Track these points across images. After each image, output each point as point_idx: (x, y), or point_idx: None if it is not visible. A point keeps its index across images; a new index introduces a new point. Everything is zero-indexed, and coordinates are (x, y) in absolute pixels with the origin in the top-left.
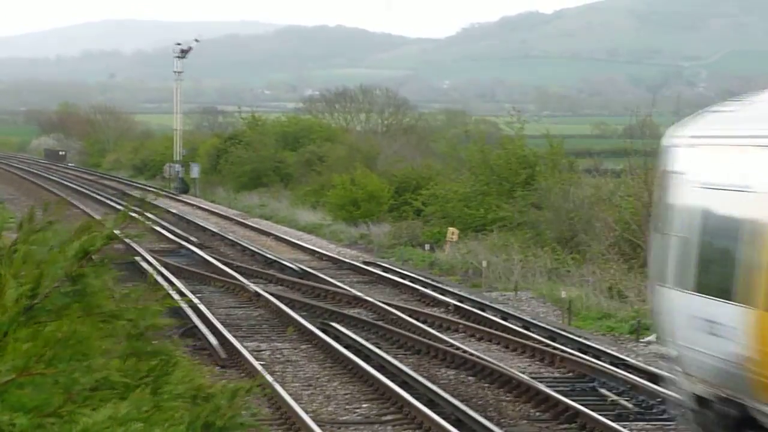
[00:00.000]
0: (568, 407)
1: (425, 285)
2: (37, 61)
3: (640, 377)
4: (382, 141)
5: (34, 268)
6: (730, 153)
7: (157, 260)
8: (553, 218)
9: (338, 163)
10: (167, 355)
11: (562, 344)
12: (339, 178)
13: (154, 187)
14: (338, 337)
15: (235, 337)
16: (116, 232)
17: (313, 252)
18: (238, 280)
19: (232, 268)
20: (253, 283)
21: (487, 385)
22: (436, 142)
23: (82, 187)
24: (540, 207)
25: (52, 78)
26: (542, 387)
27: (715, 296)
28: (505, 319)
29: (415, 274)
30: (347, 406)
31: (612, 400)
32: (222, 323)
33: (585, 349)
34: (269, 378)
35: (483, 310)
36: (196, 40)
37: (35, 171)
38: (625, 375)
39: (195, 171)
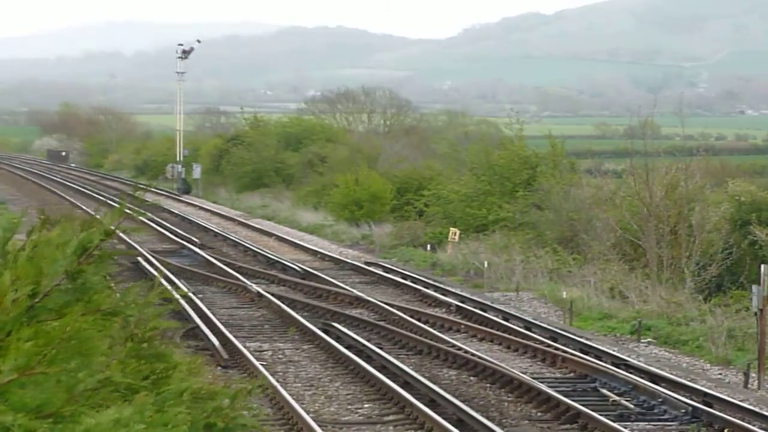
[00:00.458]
0: (569, 408)
1: (427, 285)
2: (38, 61)
3: (642, 378)
4: (384, 141)
5: (34, 267)
6: None
7: (159, 261)
8: (555, 219)
9: (340, 163)
10: (168, 355)
11: (563, 345)
12: (343, 177)
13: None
14: (340, 337)
15: (236, 337)
16: (112, 227)
17: (314, 252)
18: (240, 281)
19: (234, 269)
20: (255, 283)
21: (488, 385)
22: (437, 143)
23: (83, 187)
24: (541, 207)
25: (53, 79)
26: (544, 387)
27: None
28: (506, 320)
29: (416, 274)
30: (349, 407)
31: (613, 401)
32: (224, 324)
33: (586, 349)
34: (271, 380)
35: (484, 311)
36: (198, 41)
37: (37, 171)
38: (626, 375)
39: (197, 172)
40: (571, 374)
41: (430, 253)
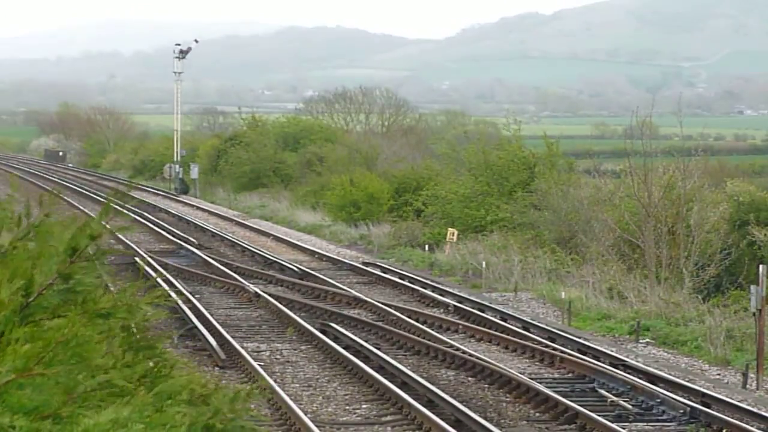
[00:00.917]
0: (567, 408)
1: (425, 286)
2: (36, 61)
3: (640, 378)
4: (382, 141)
5: (26, 265)
6: None
7: (156, 261)
8: (553, 219)
9: (338, 163)
10: (164, 356)
11: (561, 345)
12: (338, 179)
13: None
14: (338, 337)
15: (234, 338)
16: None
17: (312, 253)
18: (238, 281)
19: (231, 269)
20: (253, 283)
21: (486, 385)
22: (435, 144)
23: (80, 187)
24: (539, 208)
25: (52, 78)
26: (542, 388)
27: None
28: (504, 320)
29: (414, 274)
30: (347, 407)
31: (611, 401)
32: (221, 324)
33: (584, 349)
34: (269, 380)
35: (483, 311)
36: (196, 41)
37: (34, 171)
38: (624, 376)
39: (194, 172)
40: (570, 374)
41: (428, 254)
